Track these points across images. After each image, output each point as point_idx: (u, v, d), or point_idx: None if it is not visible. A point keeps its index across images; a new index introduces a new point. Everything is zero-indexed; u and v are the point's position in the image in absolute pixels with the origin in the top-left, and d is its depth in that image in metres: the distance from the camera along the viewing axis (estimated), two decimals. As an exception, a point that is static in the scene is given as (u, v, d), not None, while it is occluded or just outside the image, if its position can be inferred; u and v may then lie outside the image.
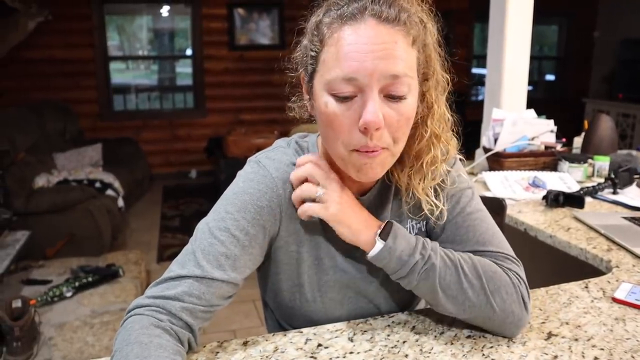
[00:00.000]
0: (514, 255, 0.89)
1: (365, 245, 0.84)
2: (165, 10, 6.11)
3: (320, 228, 0.89)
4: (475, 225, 0.89)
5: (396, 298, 0.96)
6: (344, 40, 0.73)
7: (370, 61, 0.71)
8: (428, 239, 0.85)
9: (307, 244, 0.89)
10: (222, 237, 0.80)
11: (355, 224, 0.84)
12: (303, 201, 0.86)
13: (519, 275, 0.86)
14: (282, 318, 0.98)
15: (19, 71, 5.20)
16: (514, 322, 0.83)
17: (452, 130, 0.88)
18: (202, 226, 0.84)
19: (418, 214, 0.90)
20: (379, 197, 0.92)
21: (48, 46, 5.26)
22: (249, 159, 0.89)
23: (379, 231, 0.83)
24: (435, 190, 0.88)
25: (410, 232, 0.91)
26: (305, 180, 0.86)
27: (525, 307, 0.84)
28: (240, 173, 0.88)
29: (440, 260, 0.82)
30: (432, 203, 0.87)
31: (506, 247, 0.90)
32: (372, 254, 0.83)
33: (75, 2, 5.30)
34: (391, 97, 0.74)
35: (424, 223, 0.93)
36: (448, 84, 0.85)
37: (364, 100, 0.73)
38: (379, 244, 0.82)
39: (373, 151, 0.76)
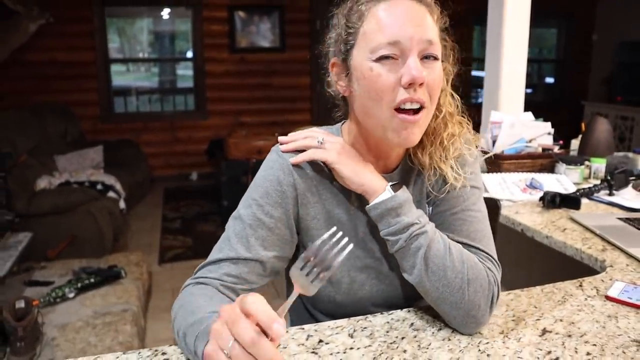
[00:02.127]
0: (497, 259, 0.94)
1: (371, 189, 0.89)
2: (166, 12, 6.14)
3: (341, 208, 0.96)
4: (472, 222, 0.94)
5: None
6: (384, 12, 0.84)
7: (411, 27, 0.82)
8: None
9: (328, 226, 0.94)
10: (249, 221, 0.91)
11: (359, 168, 0.90)
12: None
13: (496, 277, 0.91)
14: (308, 301, 1.04)
15: (20, 74, 5.22)
16: (477, 316, 0.86)
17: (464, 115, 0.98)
18: (234, 214, 0.94)
19: (440, 188, 0.96)
20: (402, 177, 0.98)
21: (49, 49, 5.28)
22: (272, 148, 0.96)
23: (391, 184, 0.89)
24: (457, 164, 0.96)
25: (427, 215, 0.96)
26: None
27: (491, 307, 0.88)
28: (264, 162, 0.96)
29: (433, 232, 0.88)
30: (455, 173, 0.94)
31: (492, 250, 0.95)
32: (378, 199, 0.88)
33: (77, 5, 5.32)
34: (427, 58, 0.84)
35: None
36: (451, 72, 0.95)
37: (406, 61, 0.82)
38: (387, 193, 0.88)
39: (419, 107, 0.83)
